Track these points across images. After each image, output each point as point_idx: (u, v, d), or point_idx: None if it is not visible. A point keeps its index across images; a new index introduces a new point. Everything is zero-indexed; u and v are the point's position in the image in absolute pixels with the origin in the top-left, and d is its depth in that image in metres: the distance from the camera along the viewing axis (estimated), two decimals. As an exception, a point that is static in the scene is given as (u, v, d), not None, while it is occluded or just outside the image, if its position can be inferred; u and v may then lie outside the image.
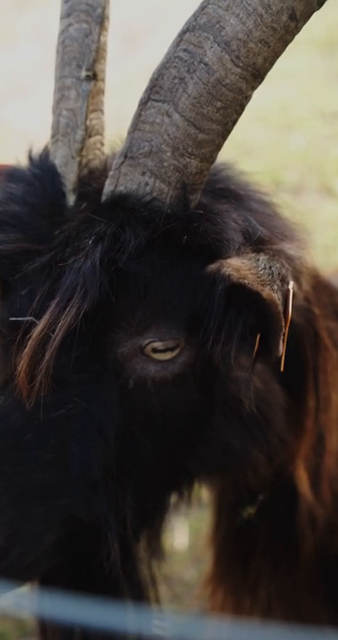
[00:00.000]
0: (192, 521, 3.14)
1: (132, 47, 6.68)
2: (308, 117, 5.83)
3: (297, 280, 1.59)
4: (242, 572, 2.02)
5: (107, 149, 1.62)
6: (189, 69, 1.40)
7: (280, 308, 1.37)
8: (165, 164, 1.44)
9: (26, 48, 6.65)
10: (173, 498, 1.74)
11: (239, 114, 1.44)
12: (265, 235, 1.55)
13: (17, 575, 1.49)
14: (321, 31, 6.67)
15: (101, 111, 1.58)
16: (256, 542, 1.95)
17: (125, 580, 1.61)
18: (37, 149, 1.62)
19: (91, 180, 1.55)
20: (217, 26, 1.38)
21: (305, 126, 5.71)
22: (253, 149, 5.34)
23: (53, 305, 1.41)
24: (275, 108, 5.91)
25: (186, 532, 3.16)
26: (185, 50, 1.40)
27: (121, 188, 1.47)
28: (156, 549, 1.73)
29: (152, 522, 1.68)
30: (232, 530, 2.00)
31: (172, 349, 1.50)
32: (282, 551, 1.96)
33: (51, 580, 1.62)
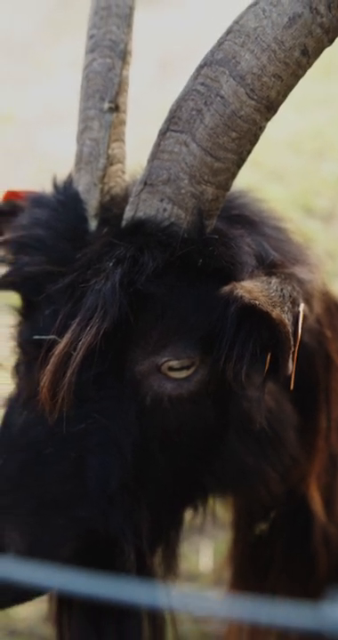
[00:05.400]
0: (217, 543, 3.15)
1: (169, 74, 6.79)
2: (340, 144, 5.87)
3: (308, 303, 1.64)
4: (258, 588, 2.04)
5: (128, 177, 1.69)
6: (206, 102, 1.47)
7: (289, 328, 1.42)
8: (183, 191, 1.51)
9: (63, 77, 6.80)
10: (188, 513, 1.79)
11: (254, 144, 1.51)
12: (278, 259, 1.61)
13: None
14: (355, 59, 6.72)
15: (123, 141, 1.66)
16: (272, 559, 1.98)
17: None
18: (62, 177, 1.70)
19: (112, 206, 1.62)
20: (233, 61, 1.45)
21: (338, 153, 5.75)
22: (285, 175, 5.38)
23: (75, 324, 1.47)
24: (308, 134, 5.95)
25: (211, 554, 3.18)
26: (202, 83, 1.47)
27: (140, 214, 1.54)
28: (171, 565, 1.76)
29: (167, 535, 1.72)
30: (248, 546, 2.03)
31: (187, 368, 1.55)
32: (298, 569, 1.98)
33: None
